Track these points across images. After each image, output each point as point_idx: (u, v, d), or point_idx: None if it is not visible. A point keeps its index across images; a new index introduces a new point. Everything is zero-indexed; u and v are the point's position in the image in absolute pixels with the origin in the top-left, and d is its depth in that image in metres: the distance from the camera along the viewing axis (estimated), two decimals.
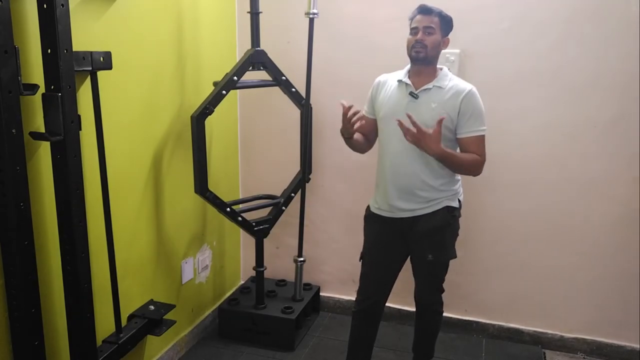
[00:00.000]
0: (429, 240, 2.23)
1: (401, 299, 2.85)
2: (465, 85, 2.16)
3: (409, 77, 2.21)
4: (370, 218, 2.35)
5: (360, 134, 2.36)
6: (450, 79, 2.18)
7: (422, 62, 2.15)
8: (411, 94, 2.17)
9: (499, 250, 2.87)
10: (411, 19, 2.17)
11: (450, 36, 2.19)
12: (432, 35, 2.12)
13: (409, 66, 2.24)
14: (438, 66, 2.21)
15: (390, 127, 2.20)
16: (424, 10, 2.14)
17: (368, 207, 2.38)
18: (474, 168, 2.19)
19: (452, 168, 2.16)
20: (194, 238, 2.81)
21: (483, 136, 2.17)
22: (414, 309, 2.46)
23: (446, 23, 2.15)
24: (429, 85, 2.16)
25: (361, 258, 2.39)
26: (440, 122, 2.00)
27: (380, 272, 2.35)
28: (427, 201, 2.20)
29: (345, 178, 3.02)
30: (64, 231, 1.82)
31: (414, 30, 2.15)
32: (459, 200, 2.28)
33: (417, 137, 2.02)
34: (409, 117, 2.01)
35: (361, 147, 2.40)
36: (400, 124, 2.02)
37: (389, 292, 2.38)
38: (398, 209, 2.23)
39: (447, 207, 2.22)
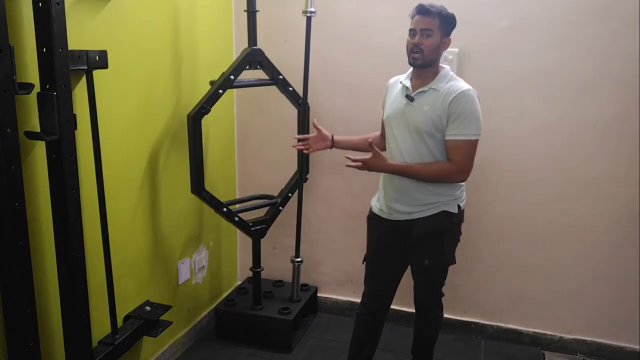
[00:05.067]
0: (426, 244, 2.19)
1: (399, 300, 2.81)
2: (461, 87, 2.07)
3: (410, 80, 2.18)
4: (372, 218, 2.33)
5: (384, 138, 2.34)
6: (449, 80, 2.10)
7: (420, 67, 2.10)
8: (407, 96, 2.14)
9: (498, 251, 2.86)
10: (411, 18, 2.10)
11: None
12: (430, 38, 2.04)
13: None
14: (441, 65, 2.14)
15: (390, 129, 2.20)
16: (422, 10, 2.05)
17: (371, 206, 2.37)
18: (443, 178, 2.10)
19: (416, 179, 2.12)
20: (190, 238, 2.80)
21: (470, 142, 2.06)
22: (412, 310, 2.44)
23: (447, 23, 2.07)
24: (425, 88, 2.10)
25: (364, 260, 2.37)
26: (371, 145, 2.08)
27: (384, 275, 2.33)
28: (424, 204, 2.15)
29: (343, 178, 3.01)
30: (59, 231, 1.82)
31: (412, 32, 2.08)
32: (459, 206, 2.19)
33: (363, 166, 2.11)
34: (348, 157, 2.13)
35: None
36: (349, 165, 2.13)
37: (393, 294, 2.37)
38: (395, 211, 2.21)
39: (444, 212, 2.15)
